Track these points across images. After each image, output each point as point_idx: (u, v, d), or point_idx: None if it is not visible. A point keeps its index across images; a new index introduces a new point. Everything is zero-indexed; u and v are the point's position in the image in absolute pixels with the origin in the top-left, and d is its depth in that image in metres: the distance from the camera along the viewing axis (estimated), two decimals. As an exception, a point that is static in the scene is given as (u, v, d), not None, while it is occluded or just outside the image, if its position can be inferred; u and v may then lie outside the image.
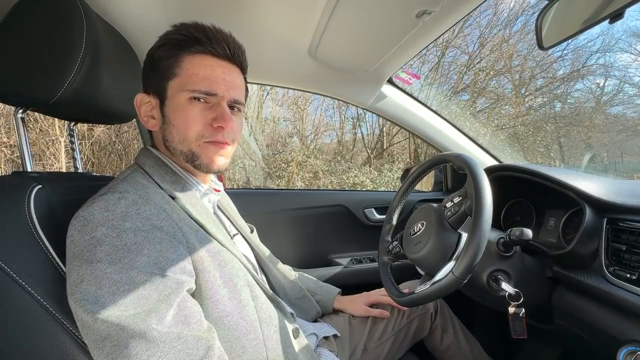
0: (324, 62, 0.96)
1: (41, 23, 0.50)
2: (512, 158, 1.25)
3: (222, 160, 0.57)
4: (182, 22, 0.56)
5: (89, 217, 0.43)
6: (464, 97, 6.53)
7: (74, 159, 0.73)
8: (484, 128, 5.90)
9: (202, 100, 0.54)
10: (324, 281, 0.95)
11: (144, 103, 0.58)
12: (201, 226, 0.55)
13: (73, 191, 0.58)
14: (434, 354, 0.94)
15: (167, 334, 0.41)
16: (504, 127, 6.28)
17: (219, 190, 0.68)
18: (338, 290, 0.92)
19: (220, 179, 0.70)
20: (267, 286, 0.64)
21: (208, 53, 0.55)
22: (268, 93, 6.72)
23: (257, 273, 0.69)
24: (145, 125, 0.59)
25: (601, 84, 6.65)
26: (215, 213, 0.68)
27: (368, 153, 6.77)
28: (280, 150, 6.29)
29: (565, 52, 6.49)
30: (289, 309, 0.70)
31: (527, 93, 6.67)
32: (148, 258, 0.43)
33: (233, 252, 0.57)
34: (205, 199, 0.63)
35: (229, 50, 0.56)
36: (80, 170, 0.73)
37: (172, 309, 0.43)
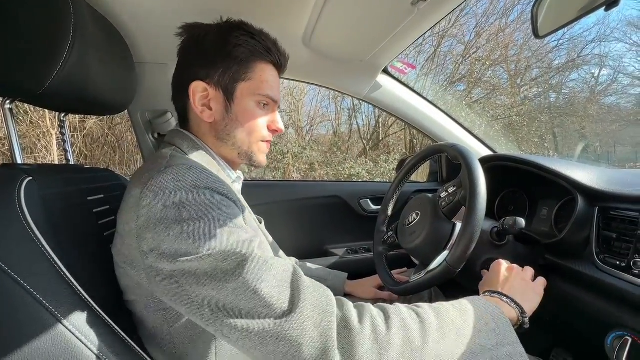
0: (318, 51, 0.94)
1: (26, 10, 0.49)
2: (507, 148, 1.26)
3: (266, 159, 0.65)
4: (245, 22, 0.59)
5: (163, 186, 0.44)
6: (460, 87, 6.54)
7: (66, 150, 0.72)
8: (480, 119, 5.91)
9: (266, 104, 0.60)
10: None
11: (200, 92, 0.57)
12: (242, 206, 0.56)
13: (65, 183, 0.57)
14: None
15: (265, 254, 0.45)
16: (499, 117, 6.30)
17: (242, 180, 0.70)
18: (346, 274, 0.94)
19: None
20: None
21: (273, 63, 0.61)
22: (263, 84, 6.63)
23: None
24: (198, 113, 0.58)
25: (596, 74, 6.69)
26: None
27: (364, 144, 6.77)
28: (276, 142, 6.26)
29: (561, 41, 6.50)
30: None
31: (522, 83, 6.68)
32: (228, 214, 0.46)
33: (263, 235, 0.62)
34: (234, 185, 0.65)
35: (286, 62, 0.63)
36: (72, 163, 0.72)
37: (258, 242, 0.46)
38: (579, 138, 6.62)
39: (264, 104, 0.60)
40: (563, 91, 6.84)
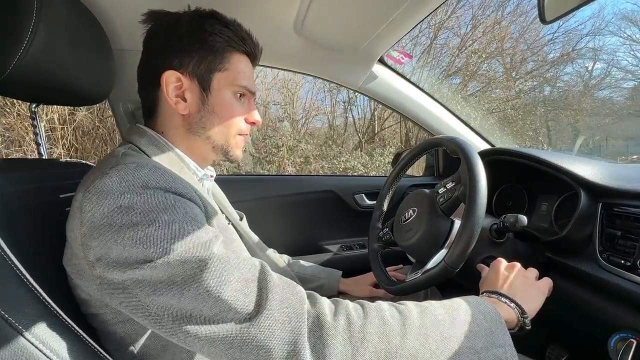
0: (310, 39, 0.89)
1: None
2: (502, 142, 1.23)
3: (242, 154, 0.63)
4: (217, 12, 0.57)
5: (107, 188, 0.40)
6: (455, 80, 6.51)
7: (38, 144, 0.67)
8: (475, 112, 5.90)
9: (242, 96, 0.58)
10: None
11: (173, 82, 0.54)
12: (207, 205, 0.52)
13: (35, 179, 0.53)
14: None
15: (228, 254, 0.42)
16: (494, 110, 6.30)
17: (213, 176, 0.67)
18: (340, 272, 0.92)
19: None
20: None
21: (248, 54, 0.59)
22: (257, 76, 6.56)
23: None
24: (172, 105, 0.54)
25: (590, 68, 6.74)
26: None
27: (359, 137, 6.73)
28: (271, 135, 6.20)
29: (556, 34, 6.51)
30: None
31: (517, 76, 6.67)
32: (184, 215, 0.42)
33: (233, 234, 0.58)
34: (201, 183, 0.62)
35: (259, 53, 0.62)
36: (45, 157, 0.68)
37: (221, 244, 0.44)
38: (572, 131, 6.68)
39: (241, 95, 0.58)
40: (557, 85, 6.89)
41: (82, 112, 4.71)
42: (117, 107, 0.95)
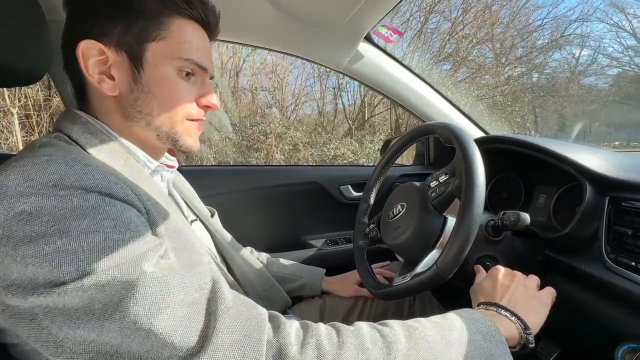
0: (288, 12, 0.79)
1: None
2: (492, 129, 1.16)
3: (199, 142, 0.53)
4: None
5: (3, 190, 0.32)
6: (445, 66, 6.44)
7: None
8: (465, 98, 5.86)
9: (191, 73, 0.48)
10: None
11: (95, 55, 0.43)
12: (155, 204, 0.43)
13: None
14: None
15: (169, 271, 0.34)
16: (483, 97, 6.28)
17: (172, 167, 0.57)
18: (324, 270, 0.86)
19: (172, 153, 0.58)
20: (230, 278, 0.55)
21: (197, 20, 0.48)
22: (244, 60, 6.32)
23: (219, 263, 0.61)
24: (95, 84, 0.44)
25: (577, 55, 6.77)
26: (170, 194, 0.58)
27: (349, 124, 6.64)
28: (259, 122, 6.05)
29: (545, 20, 6.48)
30: None
31: (507, 62, 6.65)
32: (110, 222, 0.33)
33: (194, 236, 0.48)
34: (156, 176, 0.53)
35: (216, 21, 0.51)
36: None
37: (158, 256, 0.35)
38: (559, 118, 6.76)
39: (188, 73, 0.47)
40: (545, 71, 6.91)
41: (57, 98, 4.44)
42: (63, 87, 0.83)
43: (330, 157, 5.73)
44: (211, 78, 0.54)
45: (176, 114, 0.47)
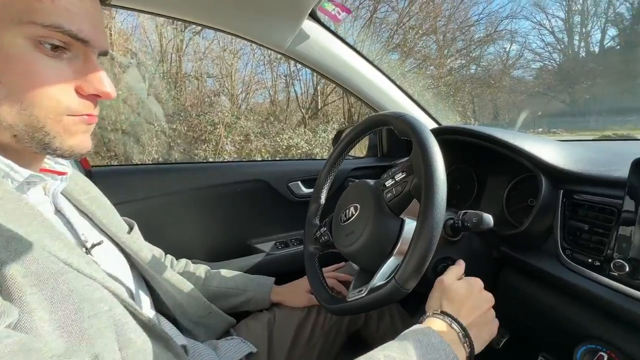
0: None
1: None
2: (441, 117, 1.15)
3: (90, 140, 0.39)
4: None
5: None
6: (394, 56, 6.62)
7: None
8: (412, 88, 6.08)
9: (62, 47, 0.34)
10: None
11: None
12: (16, 237, 0.30)
13: None
14: (370, 342, 0.84)
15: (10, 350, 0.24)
16: (429, 87, 6.59)
17: (63, 174, 0.43)
18: (272, 279, 0.77)
19: None
20: (147, 316, 0.42)
21: None
22: (186, 44, 5.80)
23: (134, 298, 0.48)
24: None
25: (507, 49, 7.50)
26: (58, 212, 0.43)
27: (302, 113, 6.51)
28: (207, 111, 5.65)
29: (481, 16, 7.02)
30: (179, 342, 0.50)
31: (449, 54, 7.05)
32: None
33: (86, 274, 0.36)
34: (31, 191, 0.38)
35: None
36: None
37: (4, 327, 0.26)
38: (494, 108, 7.44)
39: (57, 46, 0.34)
40: (482, 63, 7.51)
41: None
42: None
43: (284, 147, 5.59)
44: (104, 55, 0.40)
45: (41, 107, 0.34)
